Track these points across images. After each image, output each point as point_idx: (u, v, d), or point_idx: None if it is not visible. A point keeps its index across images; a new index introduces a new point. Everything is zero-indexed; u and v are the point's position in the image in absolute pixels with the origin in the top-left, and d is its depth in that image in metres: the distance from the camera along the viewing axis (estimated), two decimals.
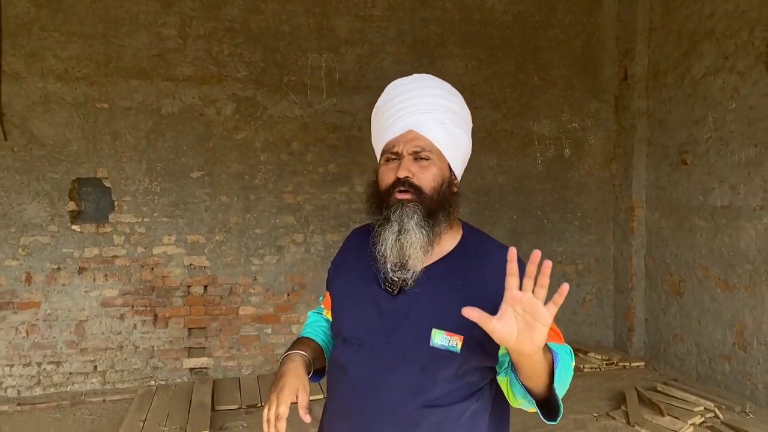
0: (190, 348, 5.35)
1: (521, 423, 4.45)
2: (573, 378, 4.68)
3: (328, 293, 1.67)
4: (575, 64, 6.24)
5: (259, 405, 4.72)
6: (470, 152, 1.58)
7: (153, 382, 5.24)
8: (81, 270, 5.12)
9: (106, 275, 5.18)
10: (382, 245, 1.42)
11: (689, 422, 4.29)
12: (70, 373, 5.11)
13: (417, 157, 1.44)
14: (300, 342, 1.58)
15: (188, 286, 5.36)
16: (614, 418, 4.50)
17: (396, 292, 1.44)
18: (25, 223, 5.01)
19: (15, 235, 4.99)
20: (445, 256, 1.47)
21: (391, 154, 1.46)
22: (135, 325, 5.23)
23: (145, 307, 5.26)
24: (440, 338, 1.37)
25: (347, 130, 5.67)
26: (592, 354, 5.83)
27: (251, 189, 5.49)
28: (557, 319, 1.25)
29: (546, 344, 1.22)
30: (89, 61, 5.14)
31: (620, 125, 6.26)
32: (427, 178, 1.43)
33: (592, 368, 5.64)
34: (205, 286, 5.40)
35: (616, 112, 6.31)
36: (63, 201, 5.08)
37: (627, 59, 6.14)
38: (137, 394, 4.93)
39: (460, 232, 1.52)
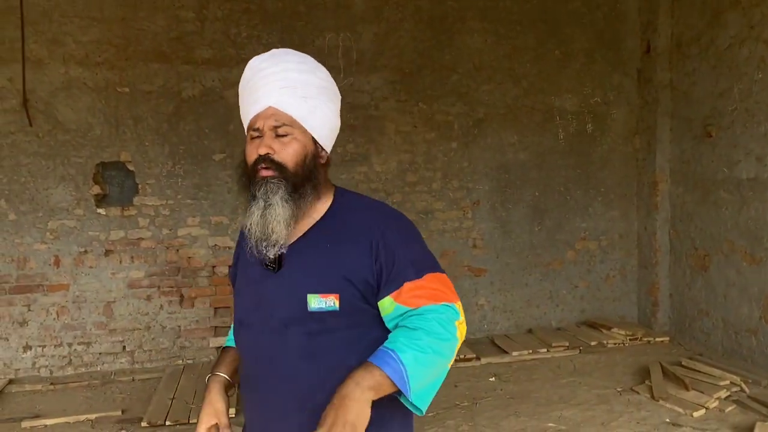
0: (216, 327, 5.44)
1: (546, 397, 4.47)
2: (597, 354, 4.63)
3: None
4: (597, 38, 6.13)
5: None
6: (339, 124, 1.59)
7: (180, 362, 5.34)
8: (107, 252, 5.22)
9: (132, 257, 5.27)
10: (248, 220, 1.46)
11: (714, 396, 4.26)
12: (100, 353, 5.23)
13: (277, 133, 1.45)
14: (222, 356, 1.70)
15: (213, 267, 5.43)
16: (638, 393, 4.49)
17: (276, 268, 1.49)
18: (51, 208, 5.11)
19: (42, 220, 5.10)
20: (315, 224, 1.51)
21: (254, 130, 1.48)
22: (162, 305, 5.33)
23: (172, 287, 5.35)
24: (316, 302, 1.43)
25: (365, 109, 5.66)
26: (615, 329, 5.81)
27: None
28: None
29: (390, 372, 1.33)
30: (109, 45, 5.18)
31: (643, 99, 6.16)
32: (288, 154, 1.45)
33: (615, 344, 5.62)
34: (230, 266, 5.46)
35: (639, 85, 6.21)
36: (88, 185, 5.16)
37: (649, 31, 6.02)
38: (165, 373, 5.04)
39: (331, 199, 1.55)
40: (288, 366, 1.47)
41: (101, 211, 5.20)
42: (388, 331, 1.48)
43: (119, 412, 4.33)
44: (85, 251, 5.18)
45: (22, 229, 5.07)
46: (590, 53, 6.13)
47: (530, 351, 5.41)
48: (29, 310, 5.10)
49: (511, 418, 4.13)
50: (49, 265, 5.12)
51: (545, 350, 5.44)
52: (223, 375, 1.63)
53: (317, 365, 1.45)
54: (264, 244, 1.46)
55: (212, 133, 5.40)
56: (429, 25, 5.74)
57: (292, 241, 1.49)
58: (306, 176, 1.47)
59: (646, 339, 5.73)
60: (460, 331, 1.44)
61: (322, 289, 1.43)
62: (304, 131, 1.47)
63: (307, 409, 1.44)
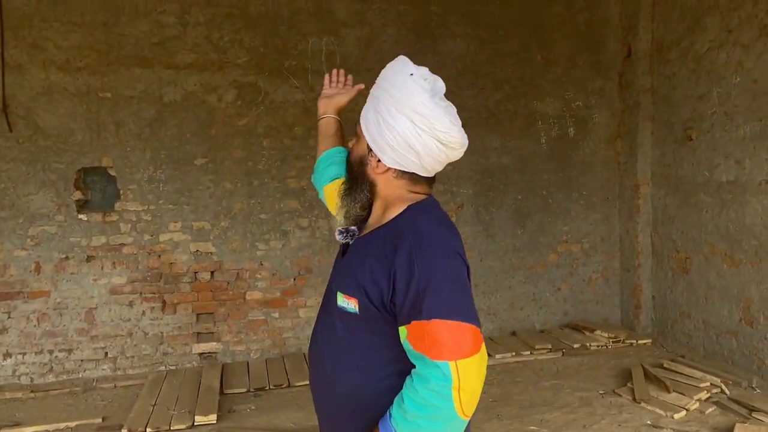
0: (198, 333, 5.41)
1: (529, 400, 4.49)
2: (580, 356, 4.65)
3: None
4: (579, 42, 6.18)
5: (267, 388, 4.78)
6: (408, 137, 1.51)
7: (163, 368, 5.31)
8: (89, 258, 5.18)
9: (114, 263, 5.24)
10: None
11: (695, 398, 4.30)
12: (82, 360, 5.18)
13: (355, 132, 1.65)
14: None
15: (195, 273, 5.41)
16: (620, 395, 4.52)
17: (342, 254, 1.67)
18: (32, 214, 5.07)
19: (23, 226, 5.05)
20: (373, 230, 1.59)
21: None
22: (144, 311, 5.30)
23: (154, 293, 5.31)
24: (341, 300, 1.53)
25: (348, 112, 5.65)
26: (598, 332, 5.84)
27: (255, 174, 5.51)
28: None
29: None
30: (91, 50, 5.15)
31: (624, 102, 6.21)
32: (351, 156, 1.67)
33: (598, 346, 5.65)
34: (212, 272, 5.44)
35: (621, 89, 6.26)
36: (69, 191, 5.12)
37: (630, 35, 6.07)
38: (148, 380, 5.01)
39: (398, 212, 1.56)
40: (321, 350, 1.63)
41: (82, 216, 5.17)
42: (398, 362, 1.51)
43: (100, 420, 4.29)
44: (67, 257, 5.14)
45: (1, 236, 5.02)
46: (572, 57, 6.18)
47: (513, 353, 5.43)
48: (9, 317, 5.05)
49: (494, 421, 4.14)
50: (30, 271, 5.07)
51: (528, 353, 5.47)
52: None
53: (337, 359, 1.56)
54: (343, 233, 1.66)
55: (194, 137, 5.38)
56: (412, 30, 5.76)
57: (360, 236, 1.62)
58: (355, 178, 1.62)
59: (628, 341, 5.77)
60: (458, 396, 1.34)
61: (347, 291, 1.52)
62: (362, 138, 1.60)
63: (332, 396, 1.58)
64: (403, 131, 1.50)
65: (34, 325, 5.09)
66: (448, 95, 5.72)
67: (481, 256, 6.01)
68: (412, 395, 1.37)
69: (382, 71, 1.59)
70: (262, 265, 5.55)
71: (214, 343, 5.44)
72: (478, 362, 1.36)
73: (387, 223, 1.55)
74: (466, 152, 5.91)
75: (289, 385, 4.83)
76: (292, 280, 5.62)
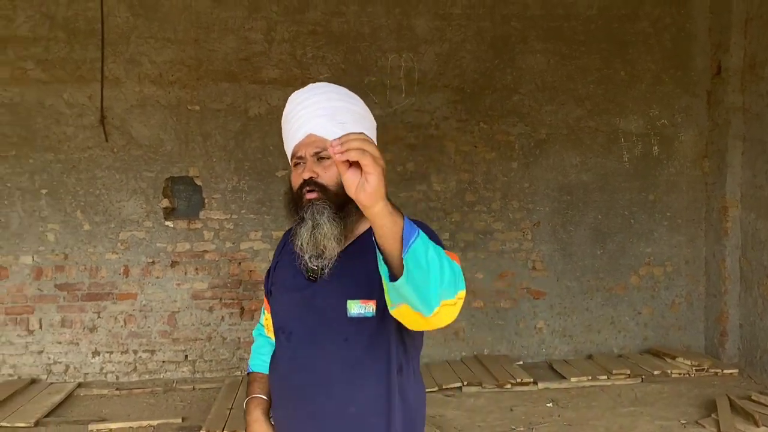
0: None
1: (605, 426, 4.35)
2: (660, 383, 4.48)
3: (265, 298, 1.82)
4: (664, 58, 6.00)
5: None
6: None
7: (239, 373, 5.46)
8: (173, 263, 5.41)
9: (196, 269, 5.45)
10: (299, 241, 1.53)
11: None
12: (163, 362, 5.40)
13: (319, 157, 1.54)
14: (253, 382, 1.79)
15: None
16: (704, 426, 4.30)
17: (317, 278, 1.57)
18: (123, 219, 5.35)
19: (114, 231, 5.34)
20: (358, 237, 1.59)
21: (297, 158, 1.58)
22: (223, 317, 5.47)
23: (233, 299, 5.49)
24: (356, 308, 1.51)
25: (425, 128, 5.70)
26: (680, 359, 5.60)
27: None
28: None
29: (408, 221, 1.22)
30: (182, 65, 5.41)
31: (713, 121, 5.96)
32: (330, 176, 1.53)
33: (680, 374, 5.41)
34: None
35: (709, 107, 6.02)
36: (157, 198, 5.38)
37: (720, 52, 5.84)
38: (224, 384, 5.16)
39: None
40: (325, 373, 1.54)
41: (169, 223, 5.41)
42: (410, 365, 1.59)
43: (180, 420, 4.45)
44: (153, 262, 5.38)
45: (95, 239, 5.32)
46: (657, 74, 5.99)
47: (590, 377, 5.27)
48: (99, 317, 5.33)
49: None
50: (119, 274, 5.34)
51: (605, 377, 5.29)
52: (262, 396, 1.73)
53: (352, 372, 1.53)
54: (317, 257, 1.55)
55: (276, 150, 5.54)
56: (491, 46, 5.75)
57: (335, 255, 1.56)
58: (348, 197, 1.46)
59: (713, 370, 5.49)
60: (459, 297, 1.32)
61: (362, 295, 1.51)
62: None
63: (344, 417, 1.52)
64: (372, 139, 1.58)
65: (121, 326, 5.35)
66: (526, 110, 5.70)
67: (558, 275, 5.89)
68: (431, 243, 1.27)
69: (331, 92, 1.61)
70: None
71: None
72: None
73: (368, 229, 1.53)
74: (543, 169, 5.86)
75: None
76: None
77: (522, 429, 4.33)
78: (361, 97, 5.48)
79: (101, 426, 4.33)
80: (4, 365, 5.26)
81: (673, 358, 5.66)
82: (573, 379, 5.23)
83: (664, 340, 6.06)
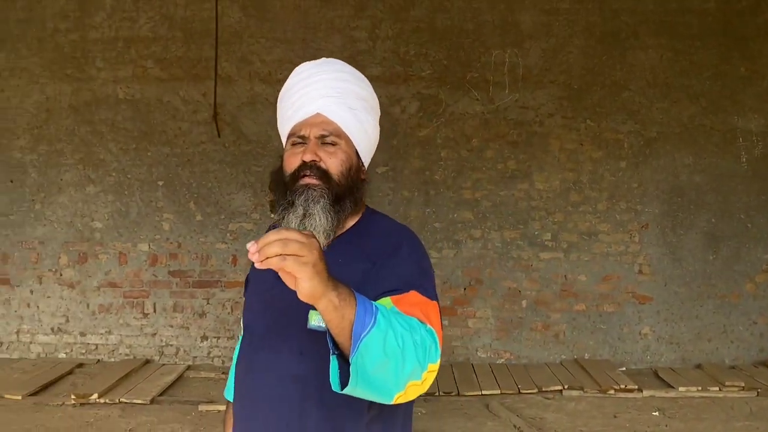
0: None
1: None
2: None
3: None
4: None
5: (436, 394, 4.84)
6: (377, 141, 1.51)
7: None
8: None
9: None
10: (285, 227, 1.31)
11: None
12: None
13: (324, 141, 1.38)
14: (230, 407, 1.58)
15: None
16: None
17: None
18: (232, 211, 5.59)
19: (224, 222, 5.59)
20: (344, 232, 1.42)
21: (298, 137, 1.40)
22: None
23: None
24: (317, 319, 1.25)
25: (528, 125, 5.61)
26: None
27: (431, 184, 5.63)
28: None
29: (365, 308, 1.06)
30: (290, 64, 5.54)
31: None
32: (334, 163, 1.37)
33: None
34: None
35: None
36: (264, 192, 5.58)
37: None
38: None
39: (359, 216, 1.45)
40: (275, 386, 1.34)
41: (274, 216, 5.58)
42: None
43: None
44: None
45: (206, 230, 5.59)
46: None
47: (699, 388, 5.00)
48: (208, 303, 5.59)
49: None
50: (228, 263, 5.59)
51: (717, 389, 5.01)
52: None
53: (302, 390, 1.32)
54: None
55: (377, 147, 5.60)
56: (600, 41, 5.57)
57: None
58: (348, 189, 1.39)
59: None
60: (430, 371, 1.16)
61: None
62: (350, 143, 1.41)
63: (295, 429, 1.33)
64: (376, 133, 1.50)
65: (228, 312, 5.59)
66: (636, 108, 5.49)
67: (666, 280, 5.63)
68: (412, 324, 1.15)
69: (344, 71, 1.46)
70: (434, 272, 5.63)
71: None
72: None
73: (351, 229, 1.43)
74: (653, 169, 5.62)
75: (458, 394, 4.86)
76: (463, 289, 5.65)
77: None
78: (463, 94, 5.52)
79: (210, 407, 4.55)
80: (121, 345, 5.62)
81: None
82: (681, 389, 4.99)
83: None
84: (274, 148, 5.57)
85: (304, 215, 1.33)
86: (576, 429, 4.31)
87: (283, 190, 1.39)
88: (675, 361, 5.65)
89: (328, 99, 1.40)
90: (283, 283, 1.12)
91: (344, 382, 1.09)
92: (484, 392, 4.87)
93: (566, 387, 4.95)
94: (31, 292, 5.74)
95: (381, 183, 5.61)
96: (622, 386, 4.93)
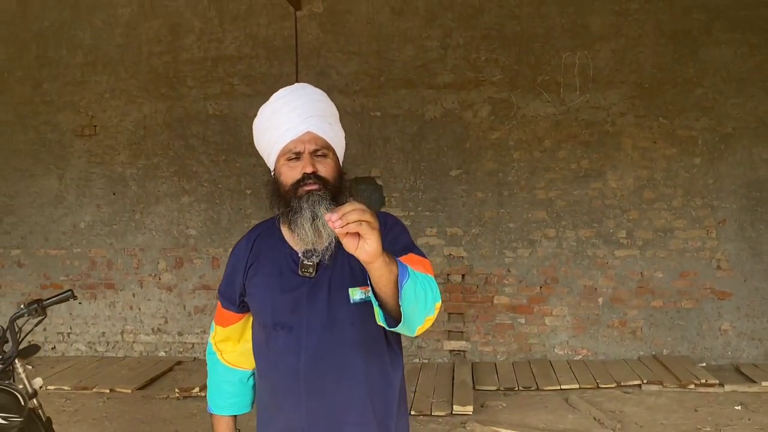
0: (449, 331, 5.82)
1: None
2: None
3: (223, 311, 1.84)
4: None
5: (516, 389, 5.00)
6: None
7: (417, 360, 5.81)
8: None
9: None
10: (300, 230, 1.58)
11: None
12: None
13: (316, 154, 1.63)
14: (219, 423, 1.88)
15: (447, 275, 5.83)
16: None
17: (313, 274, 1.65)
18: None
19: None
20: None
21: (293, 154, 1.63)
22: None
23: None
24: (358, 294, 1.63)
25: (600, 125, 5.69)
26: None
27: (504, 185, 5.79)
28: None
29: (399, 264, 1.37)
30: (365, 75, 5.87)
31: None
32: (328, 171, 1.64)
33: None
34: (463, 275, 5.83)
35: None
36: None
37: None
38: (404, 369, 5.50)
39: None
40: (342, 357, 1.64)
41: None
42: (393, 343, 1.73)
43: None
44: None
45: None
46: None
47: None
48: None
49: None
50: None
51: None
52: None
53: (366, 354, 1.65)
54: (310, 253, 1.64)
55: (450, 150, 5.82)
56: (671, 39, 5.60)
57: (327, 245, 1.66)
58: (340, 188, 1.66)
59: None
60: (437, 308, 1.50)
61: (361, 282, 1.60)
62: (334, 152, 1.69)
63: (361, 396, 1.65)
64: (344, 139, 1.76)
65: None
66: (710, 104, 5.57)
67: (745, 276, 5.59)
68: (419, 275, 1.45)
69: (315, 93, 1.71)
70: (509, 271, 5.79)
71: (464, 342, 5.81)
72: None
73: None
74: (729, 164, 5.68)
75: (537, 389, 5.00)
76: (539, 288, 5.77)
77: (709, 429, 4.22)
78: (534, 97, 5.75)
79: None
80: None
81: None
82: (764, 383, 4.96)
83: None
84: (351, 156, 5.80)
85: (313, 218, 1.58)
86: (656, 422, 4.38)
87: (284, 199, 1.65)
88: (757, 357, 5.60)
89: (313, 119, 1.65)
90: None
91: (389, 324, 1.43)
92: (563, 387, 5.00)
93: (645, 381, 5.01)
94: (133, 295, 6.24)
95: (454, 186, 5.82)
96: (703, 381, 4.95)
